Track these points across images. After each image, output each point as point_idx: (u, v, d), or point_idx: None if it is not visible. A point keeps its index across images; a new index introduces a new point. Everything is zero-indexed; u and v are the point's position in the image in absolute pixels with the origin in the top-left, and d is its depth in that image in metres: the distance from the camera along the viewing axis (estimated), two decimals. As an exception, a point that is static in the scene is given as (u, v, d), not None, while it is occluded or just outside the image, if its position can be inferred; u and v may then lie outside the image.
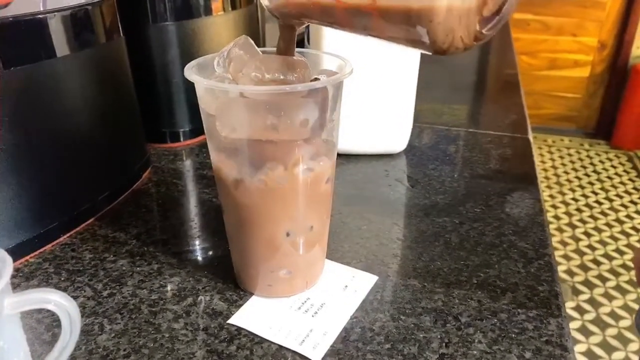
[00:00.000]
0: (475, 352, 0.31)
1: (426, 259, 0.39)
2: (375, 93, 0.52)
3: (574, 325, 1.38)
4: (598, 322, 1.40)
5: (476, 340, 0.31)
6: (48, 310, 0.24)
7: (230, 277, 0.37)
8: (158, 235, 0.42)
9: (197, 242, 0.42)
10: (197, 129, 0.59)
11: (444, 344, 0.31)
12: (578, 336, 1.35)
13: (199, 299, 0.35)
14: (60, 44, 0.39)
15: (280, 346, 0.31)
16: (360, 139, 0.54)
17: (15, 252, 0.38)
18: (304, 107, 0.29)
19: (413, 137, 0.58)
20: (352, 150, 0.55)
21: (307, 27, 0.51)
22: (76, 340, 0.25)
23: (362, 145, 0.55)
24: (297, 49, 0.34)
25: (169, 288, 0.36)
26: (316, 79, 0.30)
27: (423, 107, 0.68)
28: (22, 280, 0.37)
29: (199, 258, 0.40)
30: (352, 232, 0.42)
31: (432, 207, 0.46)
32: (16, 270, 0.38)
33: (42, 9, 0.37)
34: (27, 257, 0.39)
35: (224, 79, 0.31)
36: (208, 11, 0.56)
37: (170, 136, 0.59)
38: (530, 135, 0.62)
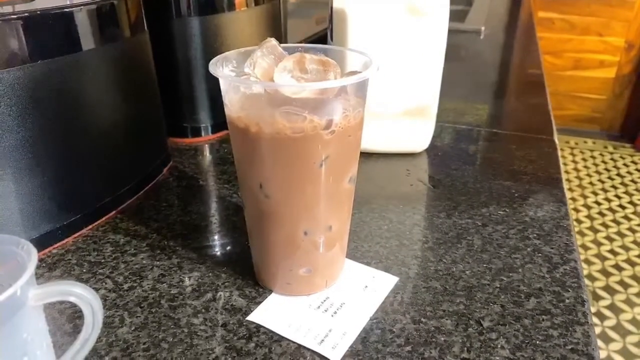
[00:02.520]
0: (497, 357, 0.30)
1: (448, 261, 0.38)
2: (398, 91, 0.52)
3: (593, 331, 1.35)
4: (619, 328, 1.37)
5: (499, 346, 0.31)
6: (70, 301, 0.24)
7: (250, 274, 0.37)
8: (178, 229, 0.42)
9: (217, 238, 0.42)
10: (219, 124, 0.59)
11: (465, 349, 0.31)
12: (598, 342, 1.32)
13: (218, 294, 0.35)
14: (86, 38, 0.39)
15: (299, 345, 0.31)
16: (382, 138, 0.54)
17: (39, 243, 0.39)
18: (329, 106, 0.29)
19: (435, 137, 0.57)
20: (374, 148, 0.54)
21: (331, 23, 0.51)
22: (98, 333, 0.26)
23: (384, 143, 0.54)
24: (321, 46, 0.34)
25: (188, 283, 0.36)
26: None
27: (445, 106, 0.67)
28: (45, 270, 0.38)
29: (219, 253, 0.40)
30: (373, 232, 0.42)
31: (454, 208, 0.45)
32: (40, 260, 0.38)
33: (68, 3, 0.38)
34: (51, 248, 0.40)
35: (249, 75, 0.31)
36: (231, 6, 0.56)
37: (191, 131, 0.59)
38: (556, 137, 0.61)
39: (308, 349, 0.31)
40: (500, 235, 0.41)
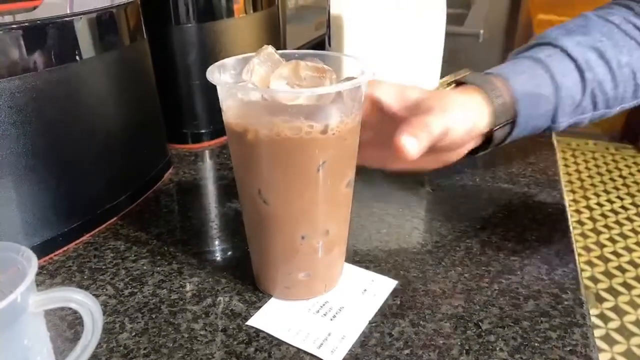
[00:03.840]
0: (496, 360, 0.30)
1: (447, 264, 0.38)
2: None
3: (597, 333, 1.35)
4: (622, 330, 1.37)
5: (497, 348, 0.31)
6: (70, 308, 0.25)
7: (249, 279, 0.37)
8: (178, 235, 0.43)
9: (217, 243, 0.42)
10: (218, 130, 0.59)
11: (464, 351, 0.31)
12: (602, 345, 1.32)
13: (218, 299, 0.35)
14: (86, 46, 0.40)
15: (299, 349, 0.31)
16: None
17: (40, 250, 0.39)
18: (325, 111, 0.29)
19: (434, 140, 0.57)
20: (372, 152, 0.55)
21: (328, 29, 0.51)
22: (98, 339, 0.26)
23: (383, 147, 0.54)
24: (317, 52, 0.34)
25: (188, 288, 0.36)
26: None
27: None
28: (46, 277, 0.38)
29: (219, 259, 0.40)
30: (372, 236, 0.42)
31: (453, 211, 0.45)
32: (41, 267, 0.39)
33: (68, 12, 0.38)
34: (52, 255, 0.40)
35: (246, 82, 0.31)
36: (230, 13, 0.56)
37: (191, 137, 0.59)
38: (555, 139, 0.61)
39: (307, 353, 0.31)
40: (499, 237, 0.42)
